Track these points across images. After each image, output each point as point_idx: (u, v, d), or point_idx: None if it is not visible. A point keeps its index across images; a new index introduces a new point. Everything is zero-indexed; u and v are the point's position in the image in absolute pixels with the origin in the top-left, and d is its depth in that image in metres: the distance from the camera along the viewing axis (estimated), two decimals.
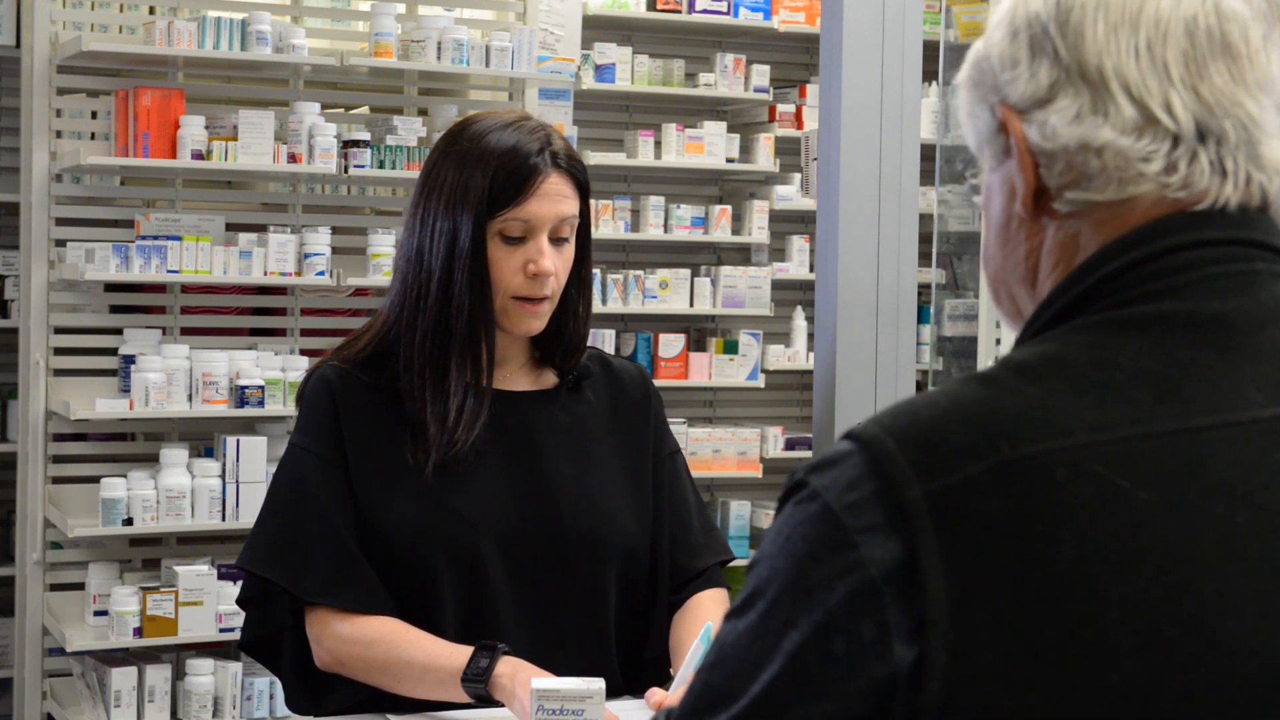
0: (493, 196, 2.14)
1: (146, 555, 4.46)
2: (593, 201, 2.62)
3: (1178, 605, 0.96)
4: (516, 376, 2.26)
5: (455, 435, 2.14)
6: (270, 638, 2.24)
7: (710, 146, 5.56)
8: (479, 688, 2.03)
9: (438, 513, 2.14)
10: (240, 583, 2.27)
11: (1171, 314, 1.03)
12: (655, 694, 2.03)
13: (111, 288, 4.43)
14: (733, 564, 2.37)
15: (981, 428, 0.99)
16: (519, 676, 2.00)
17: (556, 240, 2.19)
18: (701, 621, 2.17)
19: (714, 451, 5.54)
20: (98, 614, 4.21)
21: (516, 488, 2.19)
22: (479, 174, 2.14)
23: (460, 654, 2.07)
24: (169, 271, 4.21)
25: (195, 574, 4.18)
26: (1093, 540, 0.96)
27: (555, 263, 2.17)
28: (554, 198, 2.16)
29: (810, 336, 5.51)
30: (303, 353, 4.46)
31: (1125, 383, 1.00)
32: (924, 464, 0.98)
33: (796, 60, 5.98)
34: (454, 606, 2.15)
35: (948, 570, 0.96)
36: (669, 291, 5.48)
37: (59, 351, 4.35)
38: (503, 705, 2.04)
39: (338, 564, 2.14)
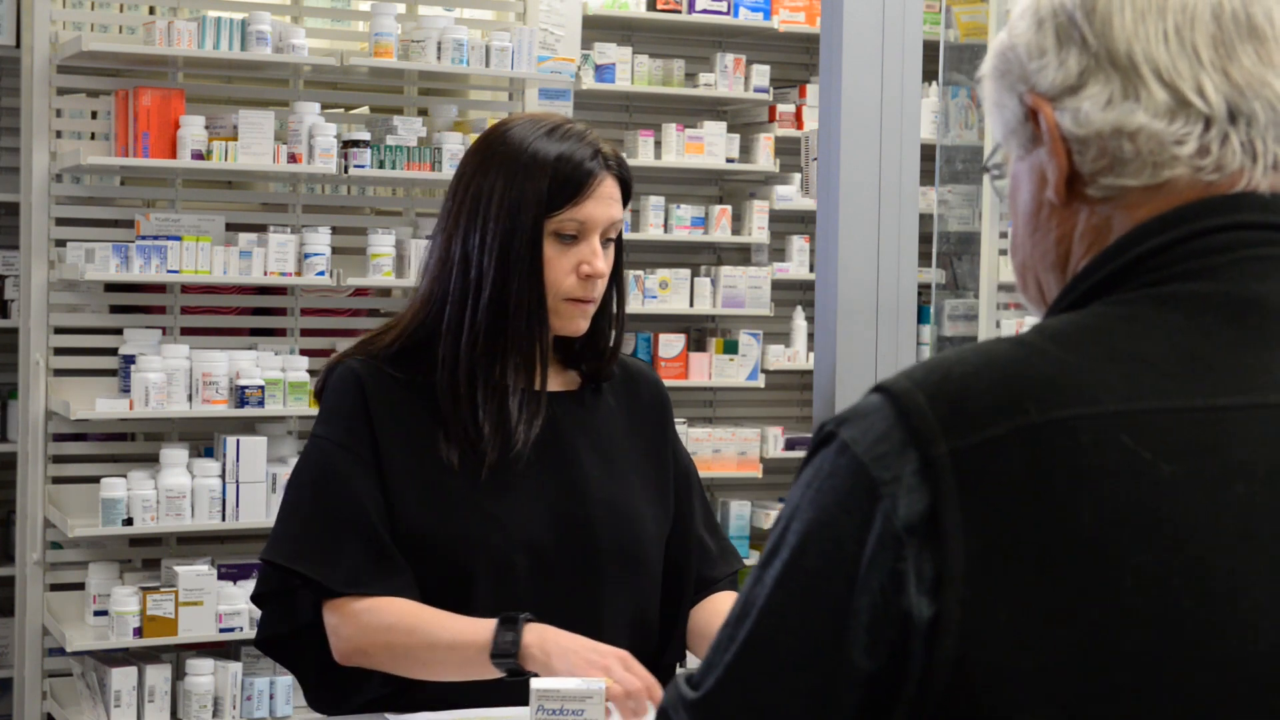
0: (550, 197, 2.15)
1: (146, 555, 4.46)
2: None
3: (1193, 578, 0.97)
4: (549, 377, 2.26)
5: (514, 436, 2.15)
6: (288, 635, 2.22)
7: (710, 146, 5.56)
8: (510, 662, 2.03)
9: (476, 516, 2.13)
10: (256, 578, 2.23)
11: (1207, 294, 1.04)
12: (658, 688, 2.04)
13: (111, 288, 4.43)
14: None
15: (1011, 389, 1.00)
16: (547, 645, 2.01)
17: (603, 242, 2.20)
18: (719, 611, 2.19)
19: (714, 451, 5.54)
20: (98, 614, 4.21)
21: (547, 491, 2.18)
22: (535, 177, 2.14)
23: (484, 628, 2.05)
24: (169, 271, 4.21)
25: (195, 574, 4.18)
26: (1112, 508, 0.97)
27: (606, 264, 2.19)
28: (607, 200, 2.18)
29: (810, 336, 5.51)
30: (303, 353, 4.46)
31: (1157, 356, 1.02)
32: (952, 421, 0.99)
33: (796, 60, 5.98)
34: (483, 610, 2.13)
35: (968, 527, 0.97)
36: (669, 291, 5.48)
37: (59, 351, 4.35)
38: (527, 674, 2.02)
39: (371, 555, 2.11)
